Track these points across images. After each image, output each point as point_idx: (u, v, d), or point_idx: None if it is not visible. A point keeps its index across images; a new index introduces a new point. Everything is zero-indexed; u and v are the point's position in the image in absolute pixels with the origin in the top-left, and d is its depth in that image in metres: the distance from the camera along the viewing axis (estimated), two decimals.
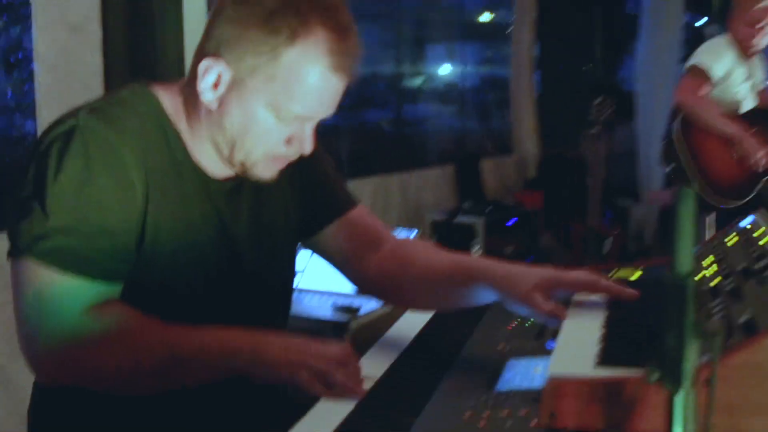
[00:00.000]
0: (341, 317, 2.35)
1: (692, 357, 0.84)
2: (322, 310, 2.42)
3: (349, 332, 2.28)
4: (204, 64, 1.36)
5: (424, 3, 6.50)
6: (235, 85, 1.36)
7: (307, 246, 1.72)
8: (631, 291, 1.45)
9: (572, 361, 1.13)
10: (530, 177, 6.34)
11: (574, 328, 1.29)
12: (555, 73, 7.08)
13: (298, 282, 2.63)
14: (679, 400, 0.84)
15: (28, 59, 2.88)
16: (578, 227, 4.68)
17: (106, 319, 1.32)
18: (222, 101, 1.38)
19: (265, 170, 1.44)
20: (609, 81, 7.11)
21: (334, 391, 1.27)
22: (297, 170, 1.59)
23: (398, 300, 1.69)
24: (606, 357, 1.13)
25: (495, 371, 1.35)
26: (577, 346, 1.19)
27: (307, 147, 1.43)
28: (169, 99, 1.45)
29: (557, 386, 1.03)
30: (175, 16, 2.96)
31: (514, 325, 1.59)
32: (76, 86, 2.78)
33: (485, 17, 7.30)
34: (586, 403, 1.03)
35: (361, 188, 4.56)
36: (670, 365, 0.84)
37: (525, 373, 1.31)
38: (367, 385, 1.30)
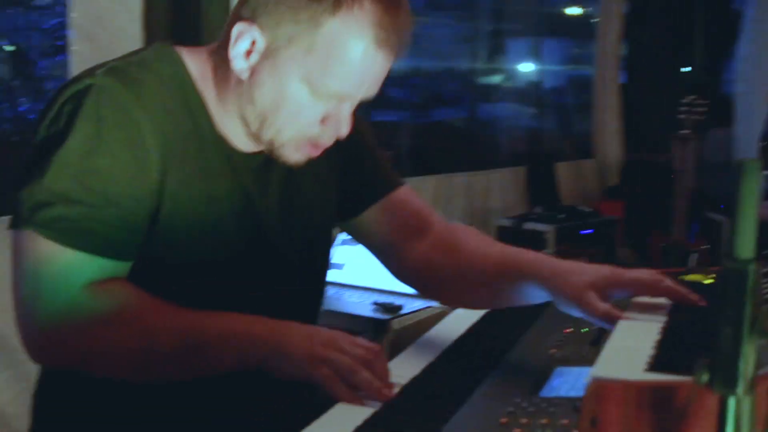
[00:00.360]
0: (381, 315, 2.33)
1: (750, 356, 0.79)
2: (362, 307, 2.41)
3: (391, 332, 2.26)
4: (237, 28, 1.34)
5: None
6: (269, 54, 1.34)
7: (345, 230, 1.70)
8: (696, 295, 1.39)
9: (620, 365, 1.08)
10: (611, 184, 6.24)
11: (628, 332, 1.25)
12: (644, 72, 6.96)
13: (339, 277, 2.62)
14: (731, 406, 0.80)
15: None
16: (660, 240, 4.58)
17: (107, 297, 1.30)
18: (254, 71, 1.35)
19: (295, 153, 1.41)
20: (704, 81, 6.97)
21: (356, 394, 1.24)
22: (337, 145, 1.54)
23: (439, 294, 1.67)
24: (658, 362, 1.08)
25: (541, 377, 1.32)
26: (628, 350, 1.14)
27: (344, 129, 1.40)
28: (195, 63, 1.43)
29: (600, 389, 0.99)
30: None
31: (569, 330, 1.56)
32: (113, 57, 2.80)
33: (573, 10, 7.21)
34: (632, 409, 0.98)
35: (421, 187, 4.54)
36: (723, 364, 0.80)
37: (573, 382, 1.28)
38: (395, 391, 1.27)
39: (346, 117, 1.40)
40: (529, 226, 4.78)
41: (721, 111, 5.79)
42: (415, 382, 1.32)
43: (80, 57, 2.74)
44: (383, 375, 1.27)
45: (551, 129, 6.65)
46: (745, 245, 0.80)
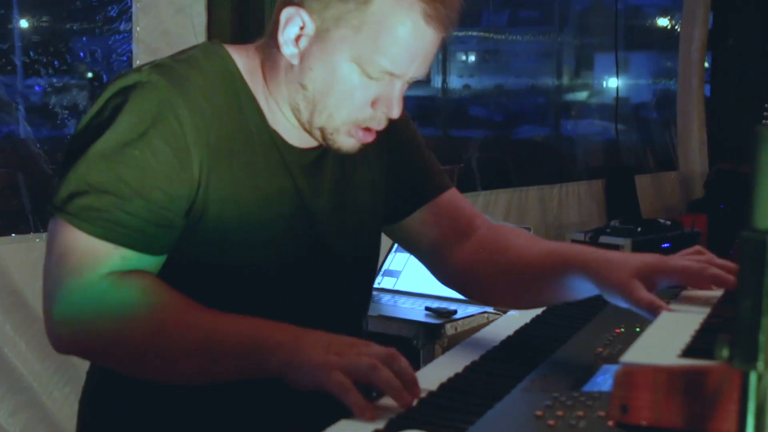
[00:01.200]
0: (434, 320, 2.33)
1: None
2: (415, 312, 2.41)
3: (444, 337, 2.26)
4: (286, 12, 1.36)
5: (591, 6, 6.38)
6: (318, 36, 1.35)
7: (390, 234, 1.70)
8: None
9: (653, 352, 1.06)
10: (696, 197, 6.12)
11: (668, 323, 1.22)
12: (729, 83, 6.83)
13: (394, 284, 2.63)
14: (752, 381, 0.78)
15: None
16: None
17: (126, 287, 1.30)
18: (304, 55, 1.37)
19: (347, 139, 1.42)
20: None
21: (372, 402, 1.18)
22: (387, 146, 1.57)
23: (487, 295, 1.66)
24: (692, 349, 1.05)
25: (586, 374, 1.30)
26: (664, 339, 1.12)
27: (395, 110, 1.40)
28: (243, 59, 1.45)
29: (630, 374, 0.97)
30: None
31: (620, 331, 1.53)
32: None
33: (661, 22, 7.10)
34: (662, 395, 0.96)
35: (494, 200, 4.52)
36: (743, 338, 0.77)
37: None
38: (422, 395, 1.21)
39: (398, 98, 1.39)
40: (605, 239, 4.70)
41: None
42: (456, 378, 1.31)
43: None
44: (406, 374, 1.18)
45: (632, 142, 6.55)
46: (765, 215, 0.78)
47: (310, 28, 1.36)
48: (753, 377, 0.78)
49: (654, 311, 1.30)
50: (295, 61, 1.38)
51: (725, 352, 0.79)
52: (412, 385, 1.18)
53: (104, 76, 3.24)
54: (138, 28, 2.77)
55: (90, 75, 3.54)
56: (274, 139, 1.44)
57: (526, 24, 6.45)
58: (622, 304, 1.38)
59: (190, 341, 1.27)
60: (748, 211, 0.78)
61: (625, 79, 6.69)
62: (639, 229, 4.82)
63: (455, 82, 5.58)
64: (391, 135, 1.56)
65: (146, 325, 1.27)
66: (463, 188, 3.89)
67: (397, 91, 1.39)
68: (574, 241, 4.80)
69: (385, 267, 2.68)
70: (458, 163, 4.56)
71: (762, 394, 0.78)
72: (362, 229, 1.57)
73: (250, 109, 1.42)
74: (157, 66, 1.38)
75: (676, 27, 6.62)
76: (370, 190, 1.58)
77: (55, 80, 3.31)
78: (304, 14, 1.35)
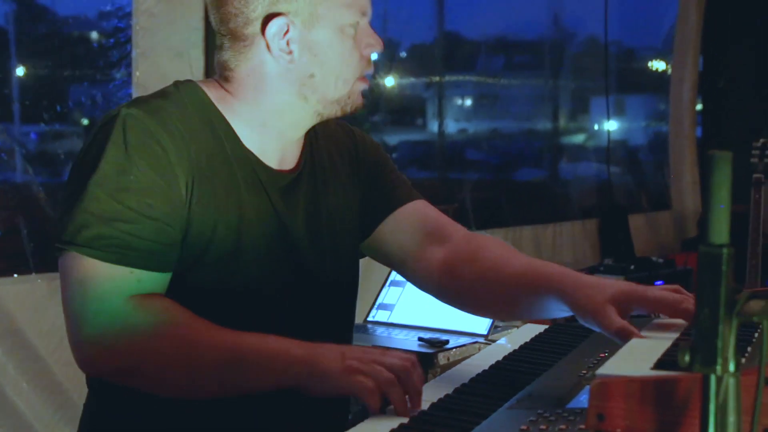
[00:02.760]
0: (427, 349, 2.39)
1: (727, 335, 0.85)
2: (408, 342, 2.47)
3: (437, 366, 2.32)
4: (271, 24, 1.49)
5: (585, 50, 6.49)
6: (306, 27, 1.50)
7: (368, 251, 1.77)
8: None
9: (626, 366, 1.13)
10: (690, 236, 6.20)
11: (642, 343, 1.29)
12: (721, 126, 6.94)
13: (388, 317, 2.70)
14: (712, 384, 0.85)
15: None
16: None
17: (149, 310, 1.38)
18: (300, 53, 1.51)
19: (358, 96, 1.58)
20: None
21: (390, 406, 1.29)
22: (357, 168, 1.70)
23: (460, 301, 1.72)
24: (663, 362, 1.13)
25: (570, 394, 1.37)
26: (636, 356, 1.19)
27: (379, 41, 1.57)
28: (212, 90, 1.56)
29: (605, 385, 1.04)
30: None
31: (604, 355, 1.60)
32: None
33: (657, 65, 7.21)
34: (635, 403, 1.03)
35: None
36: (702, 344, 0.85)
37: None
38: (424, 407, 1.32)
39: (373, 32, 1.57)
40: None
41: None
42: (446, 398, 1.37)
43: None
44: (418, 386, 1.32)
45: (626, 183, 6.64)
46: (719, 232, 0.86)
47: (295, 30, 1.50)
48: (713, 380, 0.85)
49: (625, 337, 1.35)
50: (293, 64, 1.51)
51: (687, 357, 0.87)
52: (415, 398, 1.31)
53: None
54: (137, 73, 2.87)
55: (86, 122, 3.61)
56: (250, 159, 1.54)
57: (520, 68, 6.55)
58: (595, 328, 1.44)
59: (216, 356, 1.36)
60: (705, 228, 0.87)
61: (618, 122, 6.79)
62: (632, 266, 4.90)
63: (451, 127, 5.66)
64: (361, 158, 1.71)
65: (173, 342, 1.36)
66: None
67: (369, 28, 1.57)
68: None
69: (379, 301, 2.74)
70: (452, 203, 4.64)
71: (721, 395, 0.85)
72: (339, 249, 1.65)
73: (225, 133, 1.53)
74: (134, 102, 1.51)
75: (668, 70, 6.74)
76: (344, 211, 1.67)
77: (56, 126, 3.40)
78: (283, 19, 1.49)
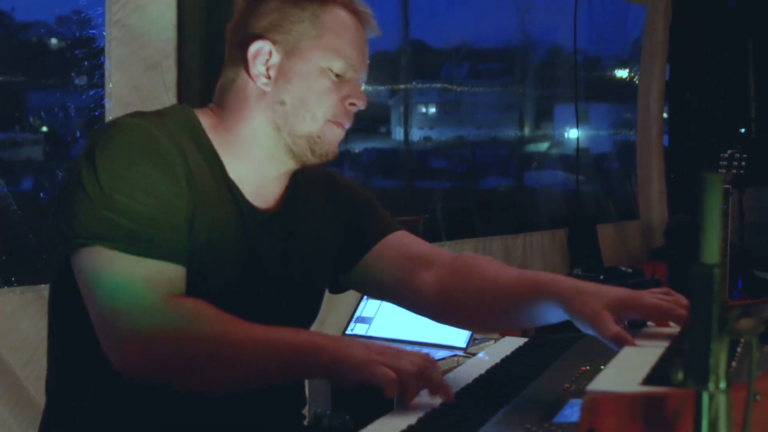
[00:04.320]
0: None
1: (719, 352, 0.87)
2: None
3: None
4: (254, 46, 1.57)
5: (551, 58, 6.54)
6: (287, 57, 1.57)
7: (352, 284, 1.84)
8: None
9: (617, 381, 1.16)
10: (656, 245, 6.27)
11: (632, 353, 1.33)
12: (687, 134, 7.03)
13: (367, 330, 2.72)
14: (704, 401, 0.88)
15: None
16: None
17: (187, 309, 1.44)
18: (277, 79, 1.57)
19: (332, 139, 1.62)
20: (753, 137, 7.00)
21: (412, 396, 1.37)
22: (337, 206, 1.77)
23: (459, 319, 1.77)
24: (652, 377, 1.16)
25: (555, 408, 1.39)
26: (627, 368, 1.23)
27: (363, 99, 1.62)
28: (205, 117, 1.63)
29: (596, 401, 1.07)
30: None
31: (586, 368, 1.63)
32: None
33: (620, 73, 7.28)
34: (626, 419, 1.06)
35: (459, 249, 4.61)
36: (695, 361, 0.88)
37: None
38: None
39: (361, 90, 1.63)
40: None
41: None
42: (433, 413, 1.39)
43: None
44: (439, 379, 1.40)
45: (594, 192, 6.70)
46: (711, 251, 0.89)
47: (277, 57, 1.57)
48: (705, 397, 0.88)
49: (620, 343, 1.42)
50: (269, 89, 1.58)
51: (680, 375, 0.89)
52: (441, 389, 1.40)
53: (77, 132, 3.31)
54: (110, 84, 2.87)
55: (45, 129, 3.60)
56: (232, 190, 1.60)
57: (486, 76, 6.59)
58: (591, 332, 1.50)
59: (251, 350, 1.42)
60: (697, 248, 0.90)
61: (585, 130, 6.84)
62: (601, 276, 4.94)
63: (415, 134, 5.70)
64: (340, 199, 1.79)
65: (210, 338, 1.42)
66: (428, 238, 3.99)
67: (358, 85, 1.63)
68: None
69: (357, 314, 2.77)
70: (422, 213, 4.67)
71: (714, 411, 0.88)
72: (307, 284, 1.72)
73: (213, 159, 1.58)
74: (134, 113, 1.58)
75: (635, 78, 6.82)
76: (317, 252, 1.74)
77: (18, 134, 3.38)
78: (269, 44, 1.57)
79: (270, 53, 1.57)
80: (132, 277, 1.42)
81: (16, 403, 2.72)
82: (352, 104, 1.62)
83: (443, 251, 1.80)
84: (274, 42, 1.57)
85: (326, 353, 1.40)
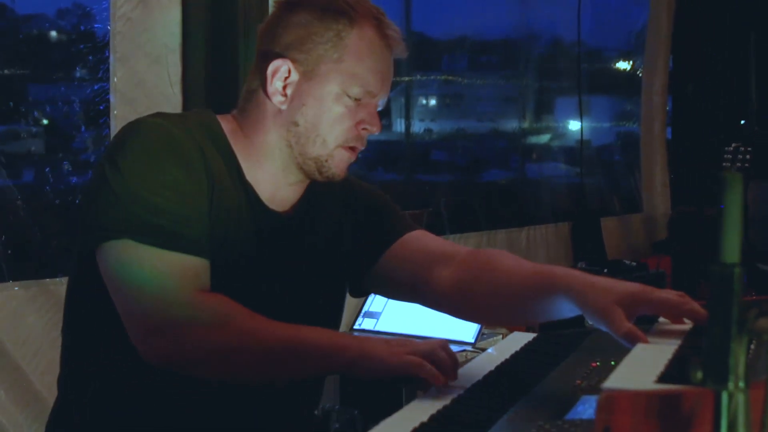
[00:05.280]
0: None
1: (738, 352, 0.88)
2: None
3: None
4: (273, 65, 1.58)
5: (551, 50, 6.54)
6: (305, 77, 1.58)
7: (369, 285, 1.85)
8: None
9: (632, 379, 1.17)
10: (660, 238, 6.27)
11: (645, 351, 1.33)
12: (690, 126, 7.02)
13: (375, 325, 2.73)
14: (724, 400, 0.88)
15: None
16: (708, 292, 4.59)
17: (217, 305, 1.47)
18: (292, 98, 1.59)
19: (340, 163, 1.63)
20: (756, 130, 6.99)
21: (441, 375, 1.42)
22: (352, 209, 1.79)
23: (476, 314, 1.79)
24: (667, 375, 1.16)
25: (567, 405, 1.39)
26: (641, 367, 1.23)
27: (377, 125, 1.62)
28: (226, 123, 1.65)
29: (611, 399, 1.07)
30: None
31: (596, 364, 1.63)
32: None
33: (621, 65, 7.28)
34: (641, 417, 1.06)
35: (463, 243, 4.62)
36: (714, 361, 0.88)
37: None
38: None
39: (376, 116, 1.63)
40: None
41: None
42: (445, 410, 1.40)
43: (121, 121, 2.90)
44: (447, 363, 1.46)
45: (597, 185, 6.70)
46: (731, 251, 0.89)
47: (296, 75, 1.58)
48: (725, 396, 0.89)
49: (632, 340, 1.41)
50: (284, 107, 1.59)
51: (699, 375, 0.90)
52: (449, 371, 1.46)
53: (83, 127, 3.32)
54: (115, 79, 2.87)
55: (46, 122, 3.59)
56: (248, 192, 1.62)
57: (486, 68, 6.58)
58: (603, 327, 1.50)
59: (279, 346, 1.46)
60: (717, 247, 0.90)
61: (586, 122, 6.83)
62: (605, 270, 4.94)
63: (417, 126, 5.70)
64: (353, 202, 1.80)
65: (239, 334, 1.45)
66: (432, 232, 3.99)
67: (374, 110, 1.63)
68: None
69: (365, 309, 2.78)
70: (426, 207, 4.68)
71: (733, 411, 0.89)
72: (321, 288, 1.75)
73: (230, 162, 1.61)
74: (156, 114, 1.61)
75: (637, 71, 6.81)
76: (330, 256, 1.76)
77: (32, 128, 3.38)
78: (288, 64, 1.58)
79: (289, 71, 1.59)
80: (160, 270, 1.44)
81: (22, 397, 2.72)
82: (365, 129, 1.63)
83: (460, 247, 1.81)
84: (294, 60, 1.59)
85: (351, 349, 1.44)
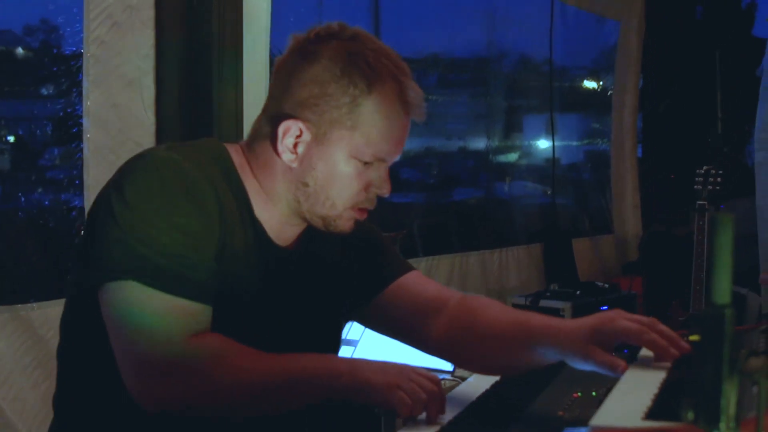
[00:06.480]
0: None
1: (730, 394, 0.89)
2: None
3: None
4: (284, 125, 1.56)
5: (520, 68, 6.57)
6: (316, 140, 1.56)
7: (364, 320, 1.88)
8: (680, 346, 1.50)
9: (618, 415, 1.18)
10: (631, 259, 6.31)
11: (631, 384, 1.34)
12: (661, 145, 7.10)
13: (353, 353, 2.72)
14: None
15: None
16: (680, 313, 4.64)
17: (210, 347, 1.46)
18: (303, 159, 1.57)
19: (347, 222, 1.63)
20: (725, 151, 7.07)
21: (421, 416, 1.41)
22: (352, 244, 1.78)
23: (468, 363, 1.81)
24: (654, 411, 1.17)
25: None
26: (627, 402, 1.24)
27: (387, 189, 1.63)
28: (235, 154, 1.64)
29: None
30: (235, 71, 3.14)
31: (578, 395, 1.64)
32: (127, 144, 2.96)
33: (589, 84, 7.33)
34: None
35: (436, 266, 4.64)
36: (706, 402, 0.89)
37: None
38: None
39: (387, 178, 1.63)
40: (545, 303, 4.85)
41: (744, 181, 5.86)
42: None
43: (94, 144, 2.90)
44: (442, 406, 1.47)
45: (568, 205, 6.73)
46: (722, 292, 0.90)
47: (308, 135, 1.56)
48: None
49: (615, 370, 1.46)
50: (294, 165, 1.58)
51: (690, 415, 0.91)
52: (441, 411, 1.46)
53: (55, 150, 3.30)
54: (88, 102, 2.86)
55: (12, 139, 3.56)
56: (256, 228, 1.62)
57: (456, 86, 6.60)
58: (587, 367, 1.52)
59: (271, 381, 1.45)
60: (708, 289, 0.91)
61: (558, 141, 6.87)
62: (578, 292, 4.98)
63: None
64: (351, 241, 1.78)
65: (231, 374, 1.44)
66: (406, 254, 4.00)
67: (384, 173, 1.62)
68: (515, 305, 4.92)
69: (342, 336, 2.77)
70: (400, 228, 4.68)
71: None
72: (320, 320, 1.76)
73: (241, 197, 1.61)
74: (166, 146, 1.60)
75: (608, 90, 6.87)
76: (331, 285, 1.77)
77: None
78: (300, 124, 1.56)
79: (300, 131, 1.57)
80: (161, 314, 1.43)
81: None
82: (375, 190, 1.63)
83: (451, 293, 1.82)
84: (305, 120, 1.56)
85: (344, 376, 1.44)
